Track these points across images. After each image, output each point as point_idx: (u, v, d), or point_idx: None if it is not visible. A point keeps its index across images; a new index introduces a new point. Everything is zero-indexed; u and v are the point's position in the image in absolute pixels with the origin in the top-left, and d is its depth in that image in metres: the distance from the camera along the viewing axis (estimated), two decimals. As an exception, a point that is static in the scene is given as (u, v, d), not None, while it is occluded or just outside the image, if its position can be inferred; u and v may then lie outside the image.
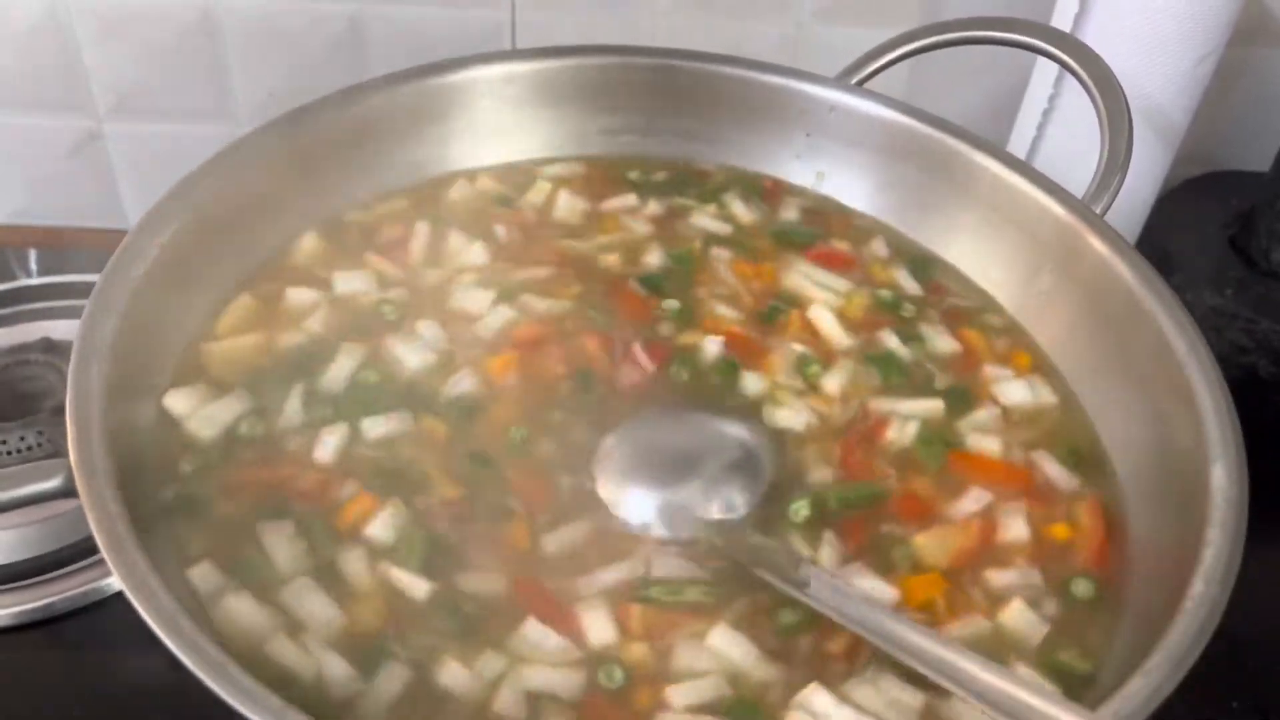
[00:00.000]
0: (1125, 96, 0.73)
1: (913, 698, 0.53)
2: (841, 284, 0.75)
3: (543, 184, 0.80)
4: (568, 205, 0.79)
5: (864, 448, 0.65)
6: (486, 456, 0.62)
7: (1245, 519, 0.54)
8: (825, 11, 0.94)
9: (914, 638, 0.51)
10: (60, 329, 0.85)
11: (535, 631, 0.55)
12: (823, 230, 0.79)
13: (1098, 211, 0.71)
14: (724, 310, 0.72)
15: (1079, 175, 0.73)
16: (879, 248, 0.78)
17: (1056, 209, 0.71)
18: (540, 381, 0.66)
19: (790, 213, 0.80)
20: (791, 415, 0.66)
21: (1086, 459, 0.66)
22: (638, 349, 0.68)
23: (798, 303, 0.73)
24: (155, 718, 0.66)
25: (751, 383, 0.68)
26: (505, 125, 0.79)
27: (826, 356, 0.70)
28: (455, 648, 0.54)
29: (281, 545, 0.57)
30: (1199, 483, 0.56)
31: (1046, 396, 0.70)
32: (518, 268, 0.74)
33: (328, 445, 0.62)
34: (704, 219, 0.79)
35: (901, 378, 0.69)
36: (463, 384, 0.66)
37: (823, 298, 0.74)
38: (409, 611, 0.55)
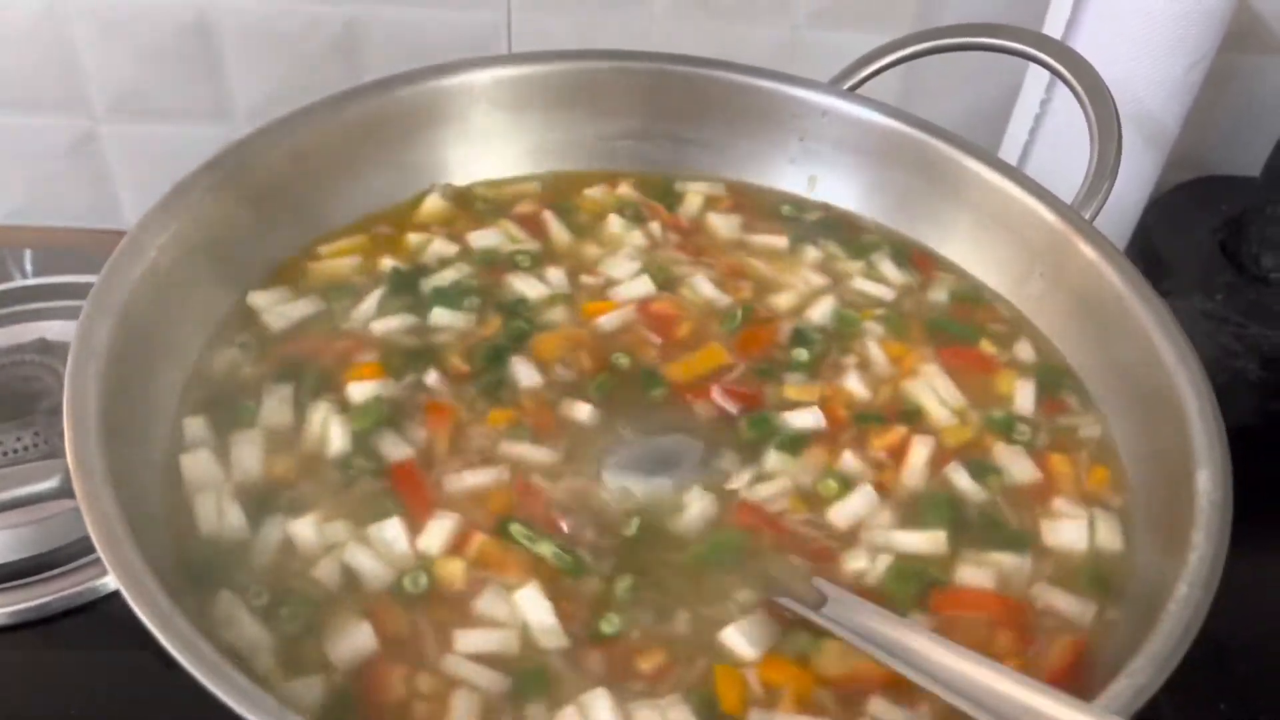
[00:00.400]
0: (1114, 103, 0.73)
1: None
2: (960, 401, 0.68)
3: (693, 198, 0.81)
4: (725, 223, 0.79)
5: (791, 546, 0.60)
6: (505, 357, 0.68)
7: (1229, 523, 0.55)
8: (821, 16, 0.95)
9: (942, 657, 0.50)
10: (56, 330, 0.85)
11: (392, 529, 0.58)
12: (972, 327, 0.73)
13: (1087, 217, 0.71)
14: (854, 387, 0.68)
15: (1070, 180, 0.74)
16: (1024, 351, 0.72)
17: (1046, 214, 0.72)
18: (622, 342, 0.70)
19: (941, 293, 0.76)
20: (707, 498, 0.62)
21: (1107, 581, 0.60)
22: (718, 390, 0.67)
23: (908, 418, 0.67)
24: (151, 717, 0.67)
25: (776, 461, 0.64)
26: (499, 129, 0.79)
27: (851, 482, 0.63)
28: (323, 507, 0.59)
29: (275, 401, 0.64)
30: (1184, 487, 0.57)
31: (1109, 543, 0.62)
32: (689, 261, 0.76)
33: (387, 324, 0.69)
34: (863, 282, 0.76)
35: (944, 523, 0.61)
36: (555, 314, 0.71)
37: (936, 418, 0.67)
38: (315, 467, 0.61)
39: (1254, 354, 0.89)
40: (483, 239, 0.76)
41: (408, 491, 0.60)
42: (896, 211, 0.80)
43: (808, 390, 0.68)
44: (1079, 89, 0.73)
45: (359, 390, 0.64)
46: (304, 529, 0.58)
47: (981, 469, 0.64)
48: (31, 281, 0.90)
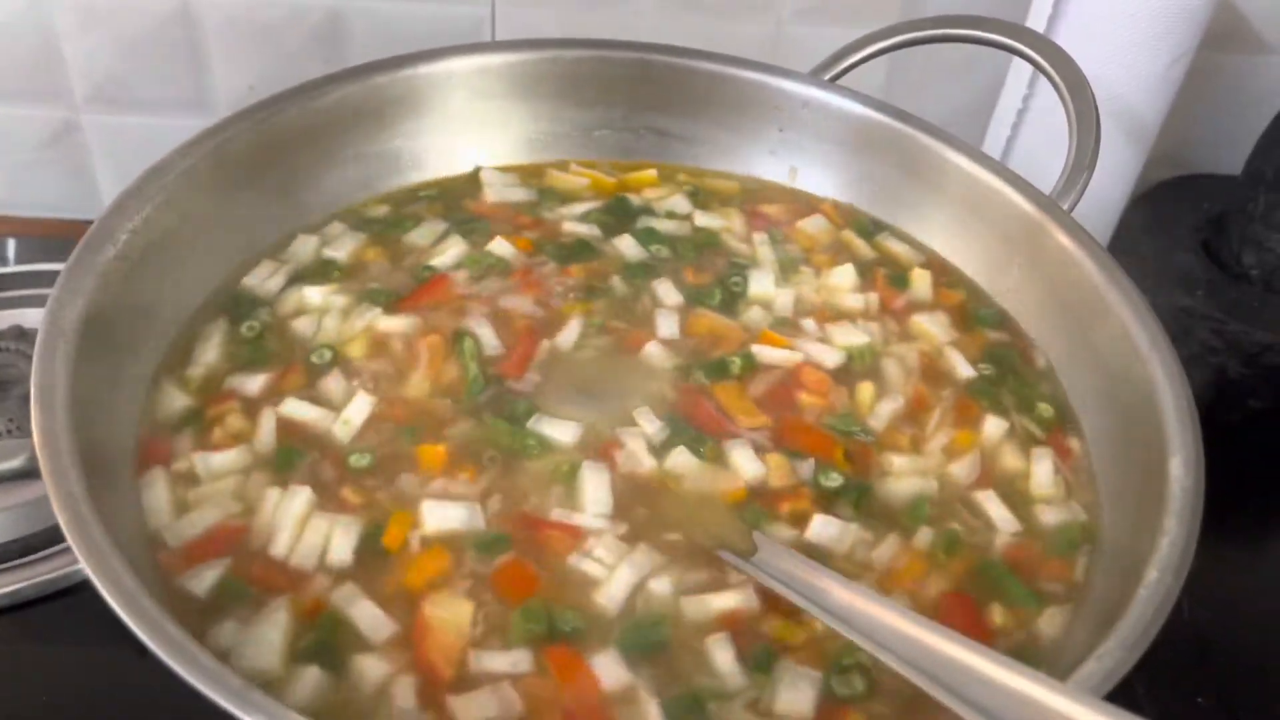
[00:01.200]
0: (1094, 96, 0.73)
1: (347, 545, 0.57)
2: None
3: (919, 280, 0.77)
4: (933, 325, 0.73)
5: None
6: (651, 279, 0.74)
7: (1201, 508, 0.55)
8: (805, 11, 0.95)
9: (868, 608, 0.51)
10: (32, 318, 0.85)
11: (372, 313, 0.69)
12: (1023, 588, 0.61)
13: (1065, 208, 0.72)
14: (821, 530, 0.60)
15: (1052, 174, 0.74)
16: (1048, 625, 0.59)
17: (1024, 204, 0.72)
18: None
19: (1050, 517, 0.64)
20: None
21: None
22: (691, 398, 0.66)
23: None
24: (122, 703, 0.66)
25: (679, 454, 0.63)
26: (480, 118, 0.79)
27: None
28: (350, 285, 0.71)
29: (426, 229, 0.75)
30: (1157, 474, 0.57)
31: None
32: (902, 368, 0.71)
33: (575, 225, 0.78)
34: (997, 505, 0.64)
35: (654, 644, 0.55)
36: (741, 311, 0.73)
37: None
38: (395, 262, 0.73)
39: (1234, 351, 0.89)
40: (707, 219, 0.79)
41: (424, 296, 0.70)
42: (876, 203, 0.80)
43: (777, 468, 0.63)
44: (1058, 80, 0.74)
45: (499, 246, 0.74)
46: (315, 295, 0.70)
47: (764, 655, 0.55)
48: (8, 269, 0.90)
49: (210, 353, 0.66)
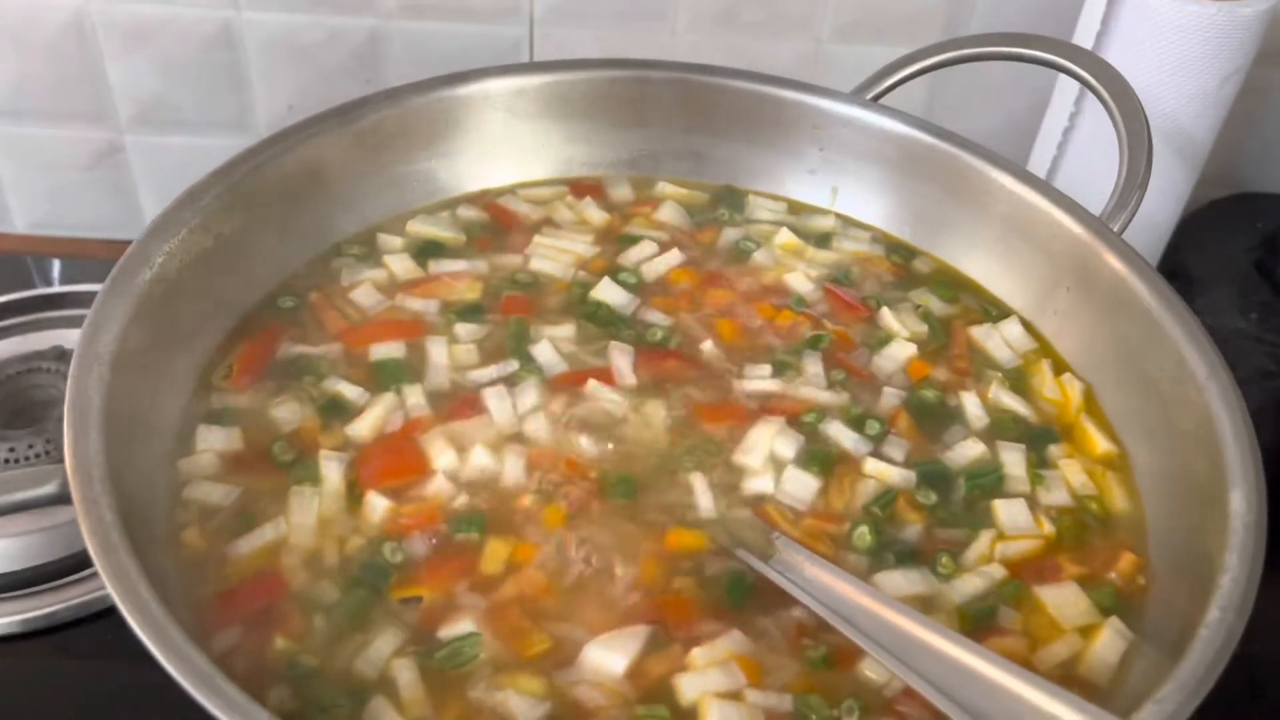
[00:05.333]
0: (1145, 114, 0.72)
1: None
2: None
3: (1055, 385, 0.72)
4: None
5: None
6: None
7: (1264, 545, 0.53)
8: (845, 29, 0.94)
9: (887, 615, 0.50)
10: (73, 339, 0.85)
11: None
12: None
13: (1115, 230, 0.70)
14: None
15: (1099, 194, 0.73)
16: None
17: (1073, 226, 0.70)
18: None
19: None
20: None
21: None
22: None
23: None
24: (155, 728, 0.66)
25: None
26: (517, 140, 0.79)
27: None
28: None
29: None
30: (1216, 509, 0.55)
31: None
32: None
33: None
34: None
35: None
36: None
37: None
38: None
39: (1290, 375, 0.87)
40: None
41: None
42: (919, 224, 0.79)
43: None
44: (1108, 99, 0.72)
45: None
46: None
47: None
48: (51, 290, 0.90)
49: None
